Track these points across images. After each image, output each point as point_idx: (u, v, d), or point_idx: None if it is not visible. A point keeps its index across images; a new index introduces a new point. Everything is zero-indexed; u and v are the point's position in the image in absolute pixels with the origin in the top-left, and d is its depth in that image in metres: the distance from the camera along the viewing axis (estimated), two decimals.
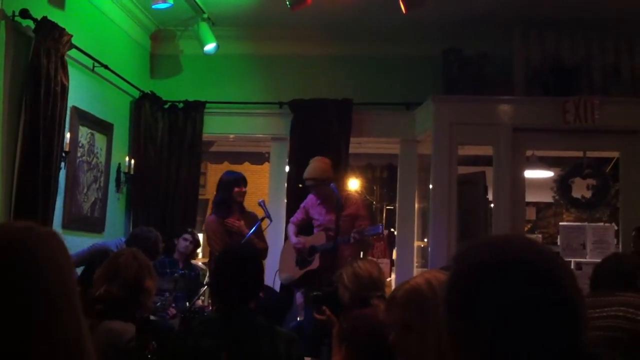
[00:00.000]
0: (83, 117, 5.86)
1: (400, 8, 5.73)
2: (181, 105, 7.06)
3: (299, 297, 6.00)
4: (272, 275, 6.18)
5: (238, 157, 8.69)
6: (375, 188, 9.84)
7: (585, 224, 6.70)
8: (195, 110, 7.02)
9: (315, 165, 5.72)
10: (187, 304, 5.75)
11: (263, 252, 5.67)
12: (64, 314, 1.20)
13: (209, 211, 10.35)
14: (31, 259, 1.21)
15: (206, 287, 6.13)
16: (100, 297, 2.91)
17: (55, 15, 5.22)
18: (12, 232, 1.25)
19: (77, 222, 5.79)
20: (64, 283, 1.23)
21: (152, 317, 4.51)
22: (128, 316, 2.87)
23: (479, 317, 1.17)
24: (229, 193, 5.71)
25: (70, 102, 5.46)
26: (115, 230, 6.49)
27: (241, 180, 5.77)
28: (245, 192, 5.79)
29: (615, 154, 6.68)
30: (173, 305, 5.55)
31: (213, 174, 10.70)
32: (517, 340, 1.14)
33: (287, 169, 7.09)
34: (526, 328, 1.14)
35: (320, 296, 3.84)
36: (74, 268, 1.34)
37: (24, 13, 4.88)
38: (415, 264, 7.03)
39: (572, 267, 6.47)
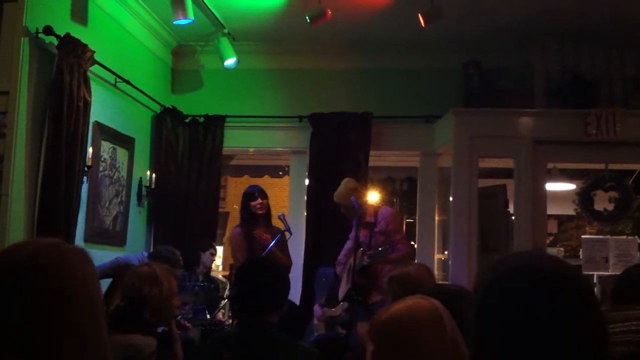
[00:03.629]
0: (105, 132, 5.92)
1: (419, 21, 5.75)
2: (202, 119, 7.11)
3: (317, 309, 5.99)
4: (292, 287, 6.18)
5: (258, 171, 8.71)
6: (395, 201, 9.81)
7: (608, 237, 6.63)
8: (215, 124, 7.07)
9: (339, 190, 5.70)
10: (208, 316, 5.77)
11: (286, 268, 5.66)
12: (88, 332, 1.22)
13: (229, 224, 10.42)
14: (58, 276, 1.22)
15: (226, 300, 6.15)
16: (113, 311, 2.93)
17: (78, 32, 5.29)
18: (42, 249, 1.27)
19: (99, 235, 5.84)
20: (90, 301, 1.25)
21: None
22: (148, 330, 2.88)
23: (498, 328, 1.17)
24: (246, 207, 5.75)
25: (93, 117, 5.52)
26: (136, 244, 6.54)
27: (256, 193, 5.78)
28: (263, 204, 5.78)
29: (637, 167, 6.61)
30: (187, 315, 5.56)
31: (233, 187, 10.73)
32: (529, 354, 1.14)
33: (306, 182, 7.11)
34: (542, 343, 1.14)
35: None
36: (100, 286, 1.36)
37: (47, 30, 4.95)
38: (436, 277, 6.99)
39: (595, 280, 6.40)
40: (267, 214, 5.84)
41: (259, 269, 3.08)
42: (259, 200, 5.74)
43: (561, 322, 1.15)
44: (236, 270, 3.13)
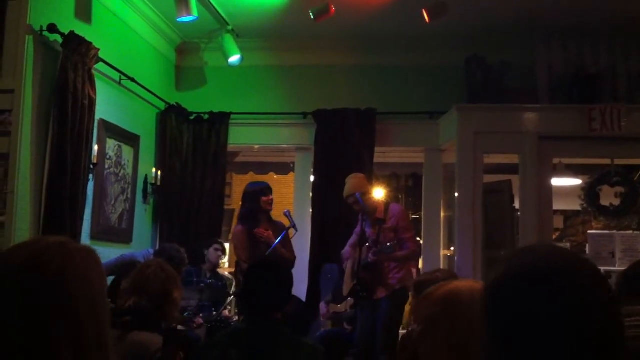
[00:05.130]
0: (110, 130, 5.93)
1: (424, 17, 5.74)
2: (206, 116, 7.12)
3: (322, 307, 5.99)
4: (299, 284, 6.19)
5: (263, 168, 8.71)
6: (400, 197, 9.80)
7: (614, 232, 6.62)
8: (220, 121, 7.08)
9: (351, 183, 5.66)
10: (214, 313, 5.78)
11: (290, 263, 5.63)
12: (88, 332, 1.21)
13: (234, 221, 10.41)
14: (59, 276, 1.22)
15: (233, 297, 6.15)
16: (128, 309, 2.94)
17: (82, 30, 5.30)
18: (45, 248, 1.26)
19: (105, 233, 5.86)
20: (92, 301, 1.24)
21: (179, 327, 4.55)
22: (155, 327, 2.89)
23: (511, 326, 1.16)
24: (257, 203, 5.67)
25: (98, 115, 5.54)
26: (142, 241, 6.55)
27: (267, 189, 5.74)
28: (272, 200, 5.77)
29: None
30: (200, 315, 5.57)
31: (238, 184, 10.74)
32: (542, 352, 1.14)
33: (311, 178, 7.10)
34: (553, 341, 1.14)
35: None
36: (106, 285, 1.35)
37: (52, 28, 4.96)
38: None
39: None
40: (271, 210, 5.84)
41: (266, 267, 3.10)
42: (270, 197, 5.72)
43: (562, 322, 1.14)
44: (244, 270, 3.14)
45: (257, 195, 5.69)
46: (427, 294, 1.94)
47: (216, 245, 6.41)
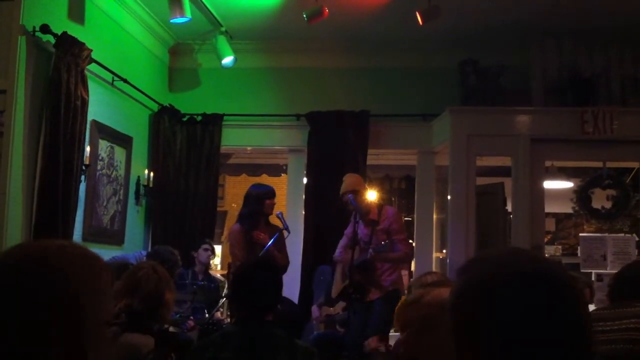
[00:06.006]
0: (103, 131, 5.92)
1: (417, 20, 5.75)
2: (199, 118, 7.11)
3: (315, 310, 5.98)
4: (291, 286, 6.18)
5: (256, 169, 8.70)
6: (393, 199, 9.80)
7: (606, 234, 6.64)
8: (213, 122, 7.07)
9: (348, 180, 5.65)
10: (206, 315, 5.77)
11: (283, 268, 5.57)
12: (87, 334, 1.20)
13: (226, 224, 10.39)
14: (60, 277, 1.21)
15: (225, 299, 6.14)
16: (120, 311, 2.93)
17: (75, 30, 5.28)
18: (45, 249, 1.25)
19: (97, 234, 5.83)
20: (92, 303, 1.23)
21: (171, 329, 4.53)
22: (147, 329, 2.88)
23: (487, 332, 1.16)
24: (261, 206, 5.64)
25: (90, 116, 5.52)
26: (134, 243, 6.53)
27: (271, 193, 5.72)
28: (274, 205, 5.76)
29: (635, 164, 6.62)
30: (191, 317, 5.56)
31: (231, 186, 10.73)
32: (524, 356, 1.14)
33: (304, 180, 7.10)
34: (534, 344, 1.14)
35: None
36: (109, 291, 1.33)
37: (45, 28, 4.94)
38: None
39: (593, 278, 6.41)
40: (271, 214, 5.83)
41: (259, 268, 3.09)
42: (274, 201, 5.71)
43: (562, 322, 1.15)
44: (235, 270, 3.13)
45: (262, 199, 5.66)
46: (418, 297, 1.94)
47: (205, 245, 6.41)
